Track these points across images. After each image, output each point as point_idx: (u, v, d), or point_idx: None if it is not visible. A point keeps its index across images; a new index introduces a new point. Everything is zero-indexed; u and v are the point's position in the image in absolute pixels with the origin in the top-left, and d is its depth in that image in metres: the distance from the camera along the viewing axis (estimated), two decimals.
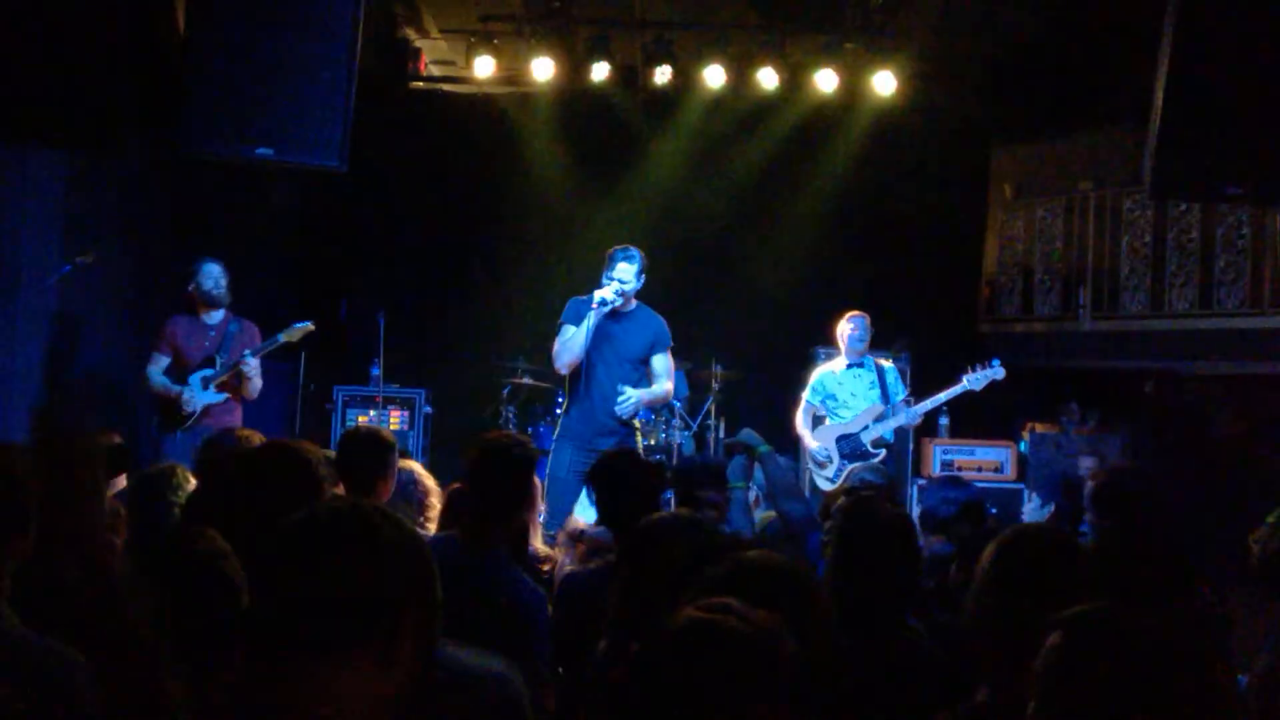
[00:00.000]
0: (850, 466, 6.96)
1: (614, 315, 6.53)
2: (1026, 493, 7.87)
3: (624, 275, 6.47)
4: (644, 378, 6.67)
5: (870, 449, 7.36)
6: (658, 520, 3.20)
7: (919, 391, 8.10)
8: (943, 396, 7.40)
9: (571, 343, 6.49)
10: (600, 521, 4.25)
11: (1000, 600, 2.31)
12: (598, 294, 6.40)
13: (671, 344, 6.75)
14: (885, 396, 7.48)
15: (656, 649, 1.67)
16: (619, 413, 6.52)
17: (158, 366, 7.20)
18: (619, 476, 4.16)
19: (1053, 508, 4.64)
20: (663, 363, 6.69)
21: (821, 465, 7.61)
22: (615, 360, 6.54)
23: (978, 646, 2.40)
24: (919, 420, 7.63)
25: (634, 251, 6.55)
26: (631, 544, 3.12)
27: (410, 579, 1.53)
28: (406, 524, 1.60)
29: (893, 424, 7.45)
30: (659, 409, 9.16)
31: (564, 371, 6.65)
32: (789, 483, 5.15)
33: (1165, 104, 5.24)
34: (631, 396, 6.52)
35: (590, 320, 6.42)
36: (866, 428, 7.40)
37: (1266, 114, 5.24)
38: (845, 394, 7.60)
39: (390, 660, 1.49)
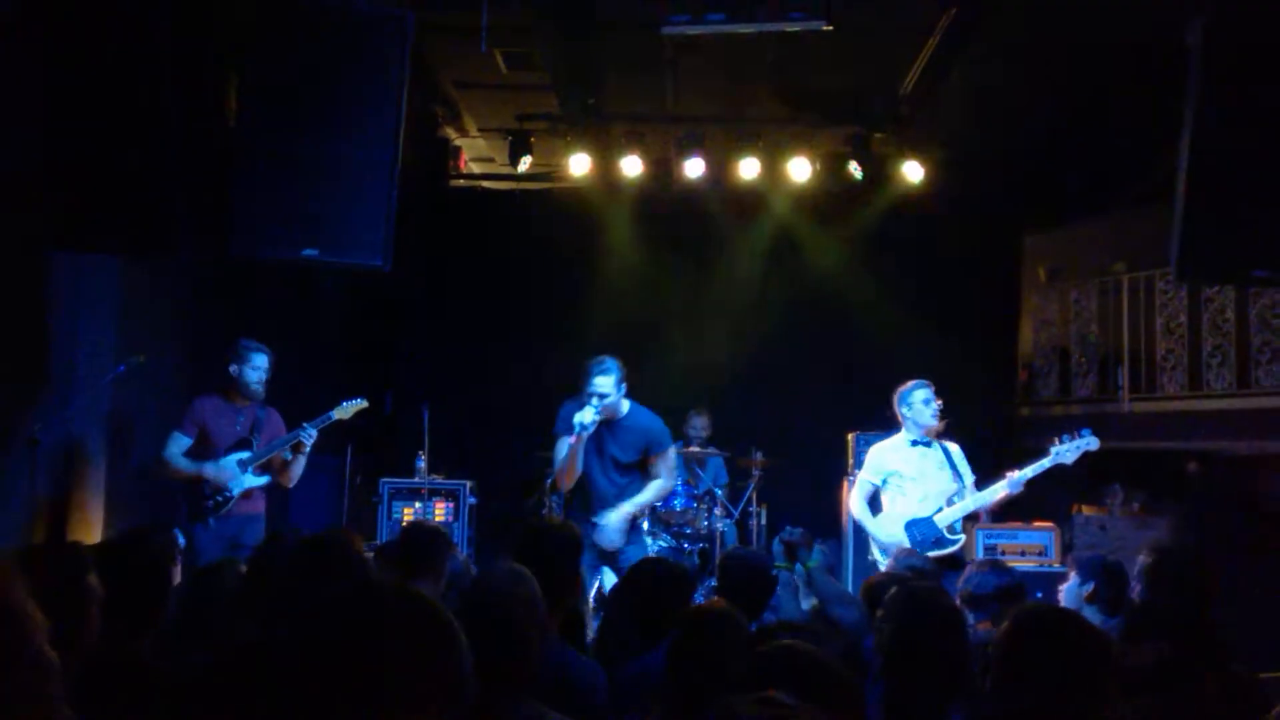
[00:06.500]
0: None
1: (606, 424, 6.62)
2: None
3: (602, 388, 6.51)
4: (637, 480, 6.77)
5: (947, 536, 6.70)
6: (703, 612, 3.24)
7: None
8: (1029, 472, 6.63)
9: (566, 469, 6.61)
10: (636, 629, 4.23)
11: (1013, 681, 2.34)
12: (576, 418, 6.45)
13: (668, 443, 6.78)
14: (957, 477, 6.86)
15: None
16: (605, 546, 6.58)
17: (178, 447, 6.87)
18: (649, 584, 4.22)
19: (1091, 586, 4.57)
20: (661, 465, 6.75)
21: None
22: (611, 467, 6.69)
23: None
24: (994, 504, 6.82)
25: (608, 362, 6.58)
26: (680, 635, 3.16)
27: (419, 654, 1.52)
28: (430, 603, 1.59)
29: (971, 506, 6.75)
30: (701, 497, 9.22)
31: (567, 490, 6.85)
32: (839, 590, 5.19)
33: (1188, 188, 5.26)
34: (611, 521, 6.60)
35: (578, 448, 6.52)
36: (940, 510, 6.77)
37: None
38: (912, 471, 6.91)
39: None
